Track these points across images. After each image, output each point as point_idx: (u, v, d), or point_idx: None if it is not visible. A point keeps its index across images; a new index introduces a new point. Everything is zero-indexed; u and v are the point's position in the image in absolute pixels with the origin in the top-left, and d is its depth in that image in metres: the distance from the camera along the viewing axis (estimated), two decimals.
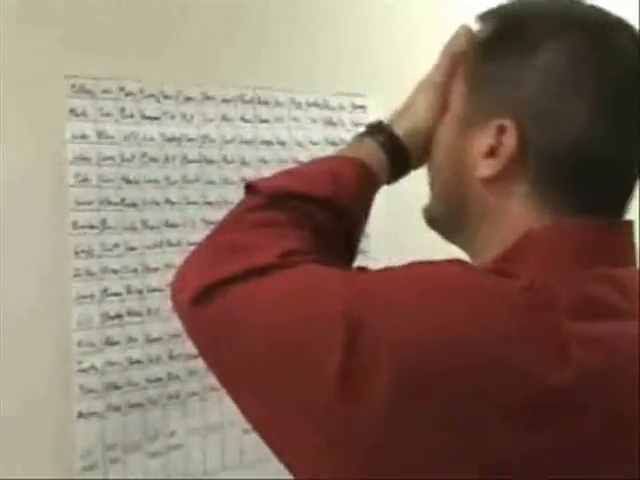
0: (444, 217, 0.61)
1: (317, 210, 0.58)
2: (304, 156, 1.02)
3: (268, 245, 0.54)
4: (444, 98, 0.61)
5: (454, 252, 0.58)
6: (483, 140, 0.56)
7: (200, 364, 0.56)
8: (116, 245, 0.88)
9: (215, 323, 0.52)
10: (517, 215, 0.55)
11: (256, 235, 0.55)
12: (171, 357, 0.92)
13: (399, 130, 0.63)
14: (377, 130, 0.64)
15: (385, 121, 0.65)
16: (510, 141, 0.54)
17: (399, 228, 1.01)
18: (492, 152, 0.55)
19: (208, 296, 0.52)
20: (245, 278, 0.52)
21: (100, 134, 0.87)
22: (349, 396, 0.46)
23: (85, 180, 0.86)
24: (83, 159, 0.86)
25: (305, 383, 0.48)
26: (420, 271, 0.51)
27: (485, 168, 0.56)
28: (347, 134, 1.04)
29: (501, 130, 0.55)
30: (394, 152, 0.63)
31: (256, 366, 0.50)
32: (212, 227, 0.60)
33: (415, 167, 0.65)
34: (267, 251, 0.53)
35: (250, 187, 0.60)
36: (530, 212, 0.54)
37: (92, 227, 0.87)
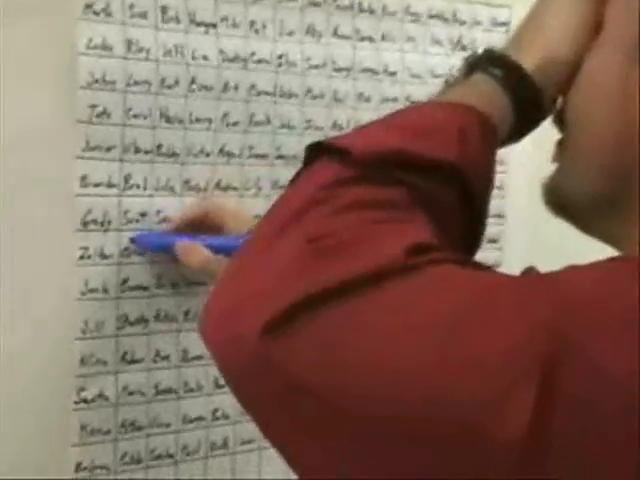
0: (597, 196, 0.56)
1: (441, 186, 0.52)
2: (420, 93, 0.88)
3: (382, 238, 0.47)
4: (597, 13, 0.55)
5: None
6: None
7: None
8: (143, 214, 0.73)
9: (306, 362, 0.45)
10: None
11: (359, 223, 0.48)
12: (218, 385, 0.77)
13: (525, 62, 0.56)
14: (492, 61, 0.57)
15: (500, 49, 0.58)
16: None
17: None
18: None
19: (292, 320, 0.44)
20: (353, 290, 0.45)
21: (129, 44, 0.71)
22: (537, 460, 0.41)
23: (103, 115, 0.70)
24: (102, 82, 0.70)
25: (467, 452, 0.42)
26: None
27: None
28: None
29: None
30: (521, 96, 0.56)
31: (375, 429, 0.43)
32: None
33: (543, 119, 0.58)
34: (383, 247, 0.46)
35: (330, 148, 0.51)
36: None
37: (110, 186, 0.71)
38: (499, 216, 0.92)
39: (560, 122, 0.58)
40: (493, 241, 0.92)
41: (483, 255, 0.55)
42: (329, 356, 0.45)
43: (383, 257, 0.46)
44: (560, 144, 0.58)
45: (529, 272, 0.51)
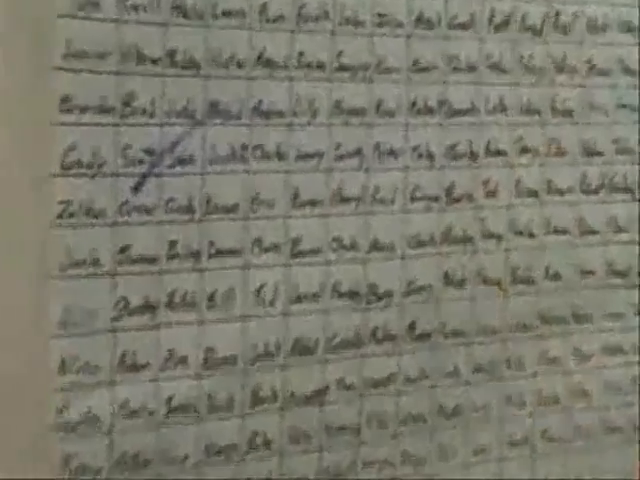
0: None
1: None
2: None
3: None
4: None
5: None
6: None
7: None
8: (150, 152, 0.57)
9: None
10: None
11: None
12: (258, 399, 0.61)
13: None
14: None
15: None
16: None
17: None
18: None
19: None
20: None
21: None
22: None
23: (90, 5, 0.54)
24: None
25: None
26: None
27: None
28: None
29: None
30: None
31: None
32: None
33: None
34: None
35: None
36: None
37: (103, 111, 0.56)
38: None
39: None
40: None
41: None
42: None
43: None
44: None
45: None
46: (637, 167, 0.76)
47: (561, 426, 0.74)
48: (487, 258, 0.70)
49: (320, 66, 0.63)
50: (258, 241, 0.61)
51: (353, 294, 0.65)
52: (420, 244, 0.67)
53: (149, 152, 0.57)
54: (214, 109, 0.59)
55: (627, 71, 0.75)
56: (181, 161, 0.58)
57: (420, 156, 0.67)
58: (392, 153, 0.66)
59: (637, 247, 0.76)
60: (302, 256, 0.63)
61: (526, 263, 0.71)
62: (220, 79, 0.59)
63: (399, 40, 0.65)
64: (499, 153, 0.70)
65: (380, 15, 0.65)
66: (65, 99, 0.55)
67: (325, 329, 0.64)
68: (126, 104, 0.56)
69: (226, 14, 0.59)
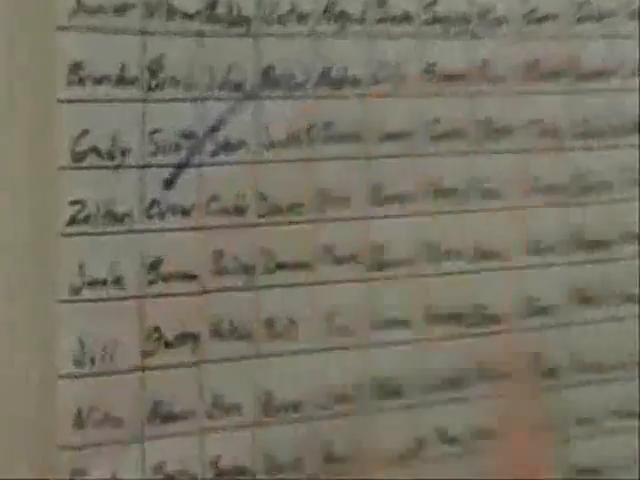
0: None
1: None
2: None
3: None
4: None
5: None
6: None
7: None
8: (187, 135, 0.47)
9: None
10: None
11: None
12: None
13: None
14: None
15: None
16: None
17: None
18: None
19: None
20: None
21: None
22: None
23: None
24: None
25: None
26: None
27: None
28: None
29: None
30: None
31: None
32: None
33: None
34: None
35: None
36: None
37: (123, 83, 0.45)
38: None
39: None
40: None
41: None
42: None
43: None
44: None
45: None
46: None
47: None
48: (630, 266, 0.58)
49: (407, 18, 0.52)
50: (329, 250, 0.50)
51: (454, 317, 0.54)
52: (542, 250, 0.56)
53: (185, 135, 0.46)
54: (269, 78, 0.49)
55: None
56: (227, 146, 0.48)
57: (542, 134, 0.55)
58: (504, 130, 0.54)
59: None
60: (387, 268, 0.51)
61: None
62: (276, 38, 0.49)
63: None
64: None
65: None
66: (74, 68, 0.44)
67: (418, 364, 0.53)
68: (154, 73, 0.45)
69: None
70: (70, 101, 0.43)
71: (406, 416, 0.53)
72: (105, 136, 0.44)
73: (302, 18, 0.48)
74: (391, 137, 0.51)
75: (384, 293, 0.52)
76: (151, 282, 0.46)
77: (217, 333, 0.47)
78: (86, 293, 0.44)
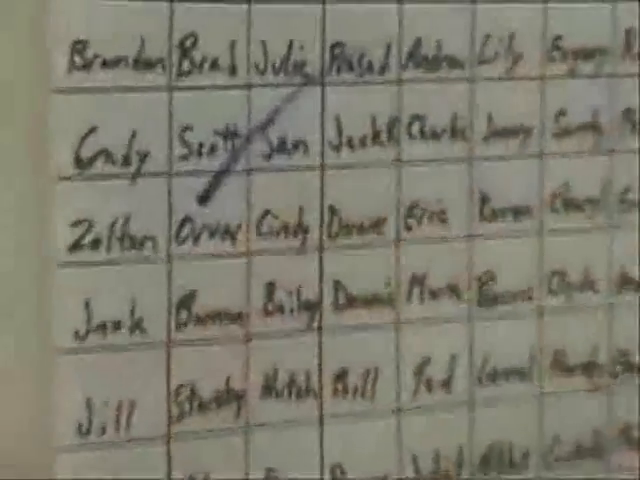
0: None
1: None
2: None
3: None
4: None
5: None
6: None
7: None
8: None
9: None
10: None
11: None
12: None
13: None
14: None
15: None
16: None
17: None
18: None
19: None
20: None
21: None
22: None
23: None
24: None
25: None
26: None
27: None
28: None
29: None
30: None
31: None
32: None
33: None
34: None
35: None
36: None
37: (141, 66, 0.35)
38: None
39: None
40: None
41: None
42: None
43: None
44: None
45: None
46: None
47: None
48: None
49: None
50: (419, 281, 0.40)
51: (587, 367, 0.42)
52: None
53: (227, 134, 0.37)
54: (338, 58, 0.38)
55: None
56: (282, 147, 0.38)
57: None
58: None
59: None
60: (496, 303, 0.41)
61: None
62: (344, 5, 0.38)
63: None
64: None
65: None
66: (78, 46, 0.35)
67: (538, 428, 0.42)
68: (184, 53, 0.36)
69: None
70: (70, 91, 0.35)
71: None
72: (117, 136, 0.35)
73: None
74: (501, 133, 0.41)
75: (492, 335, 0.41)
76: (180, 325, 0.37)
77: (268, 390, 0.38)
78: (93, 340, 0.35)
